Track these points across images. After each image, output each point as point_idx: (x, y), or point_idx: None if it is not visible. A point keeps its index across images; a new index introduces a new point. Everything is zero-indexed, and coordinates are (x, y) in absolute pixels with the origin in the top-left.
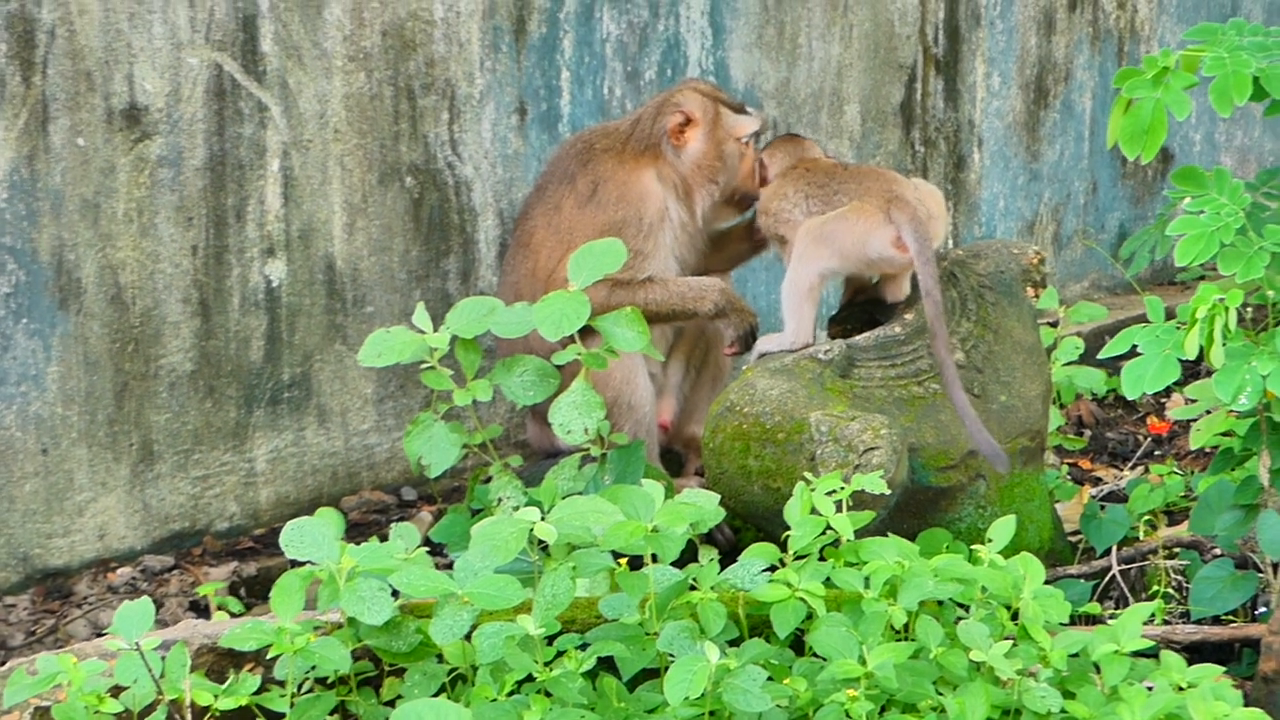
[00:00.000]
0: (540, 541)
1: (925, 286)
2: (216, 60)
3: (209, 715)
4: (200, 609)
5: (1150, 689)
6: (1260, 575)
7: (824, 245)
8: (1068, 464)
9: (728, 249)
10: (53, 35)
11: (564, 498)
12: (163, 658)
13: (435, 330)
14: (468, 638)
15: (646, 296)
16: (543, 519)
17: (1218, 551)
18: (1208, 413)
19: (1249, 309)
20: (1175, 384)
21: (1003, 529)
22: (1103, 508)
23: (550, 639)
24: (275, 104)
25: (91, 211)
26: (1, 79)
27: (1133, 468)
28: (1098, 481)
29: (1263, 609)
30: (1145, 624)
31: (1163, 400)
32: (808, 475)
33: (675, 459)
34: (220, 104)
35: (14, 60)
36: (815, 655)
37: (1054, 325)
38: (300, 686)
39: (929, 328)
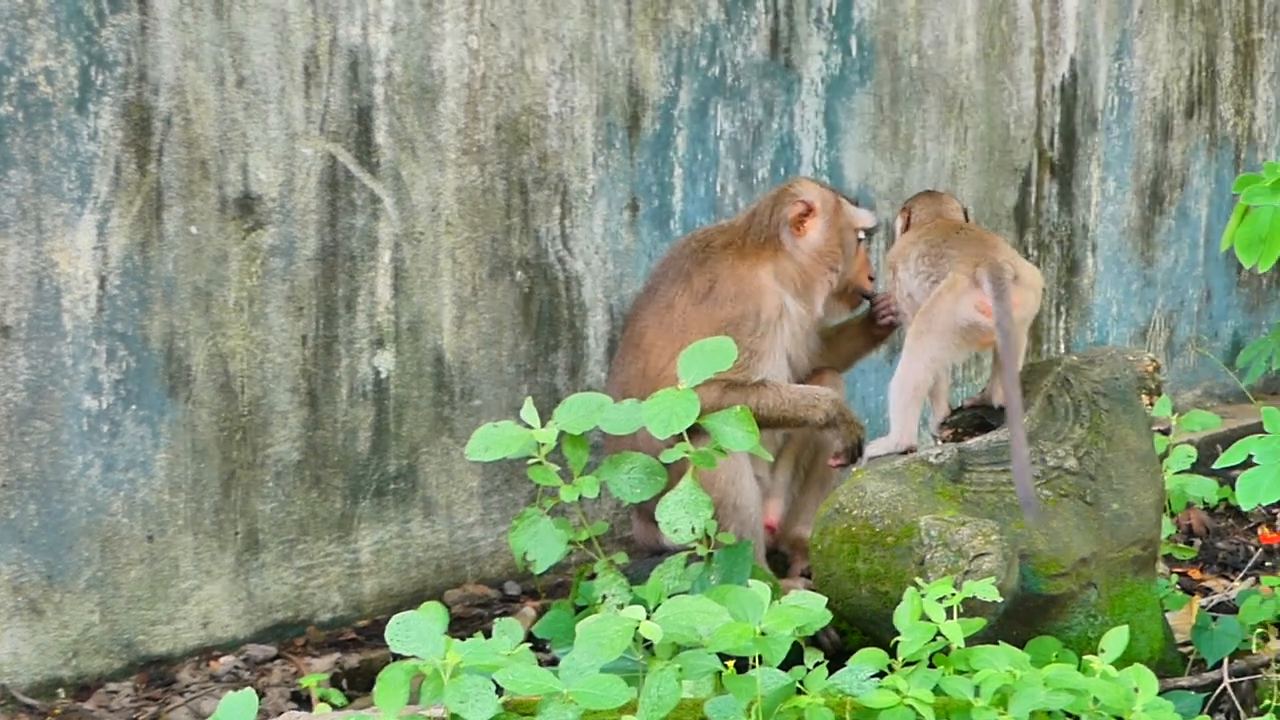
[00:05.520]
0: (645, 640)
1: (996, 319)
2: (330, 151)
3: None
4: (302, 700)
5: None
6: None
7: (924, 333)
8: (1177, 573)
9: (842, 347)
10: (169, 124)
11: (669, 596)
12: None
13: (543, 425)
14: None
15: (758, 401)
16: (648, 617)
17: None
18: None
19: None
20: None
21: (1116, 640)
22: (1214, 619)
23: None
24: (388, 195)
25: (203, 299)
26: (117, 166)
27: (1243, 579)
28: (1207, 592)
29: None
30: None
31: (1274, 511)
32: (918, 580)
33: (781, 560)
34: (333, 195)
35: (130, 148)
36: None
37: (1165, 433)
38: None
39: (998, 356)
